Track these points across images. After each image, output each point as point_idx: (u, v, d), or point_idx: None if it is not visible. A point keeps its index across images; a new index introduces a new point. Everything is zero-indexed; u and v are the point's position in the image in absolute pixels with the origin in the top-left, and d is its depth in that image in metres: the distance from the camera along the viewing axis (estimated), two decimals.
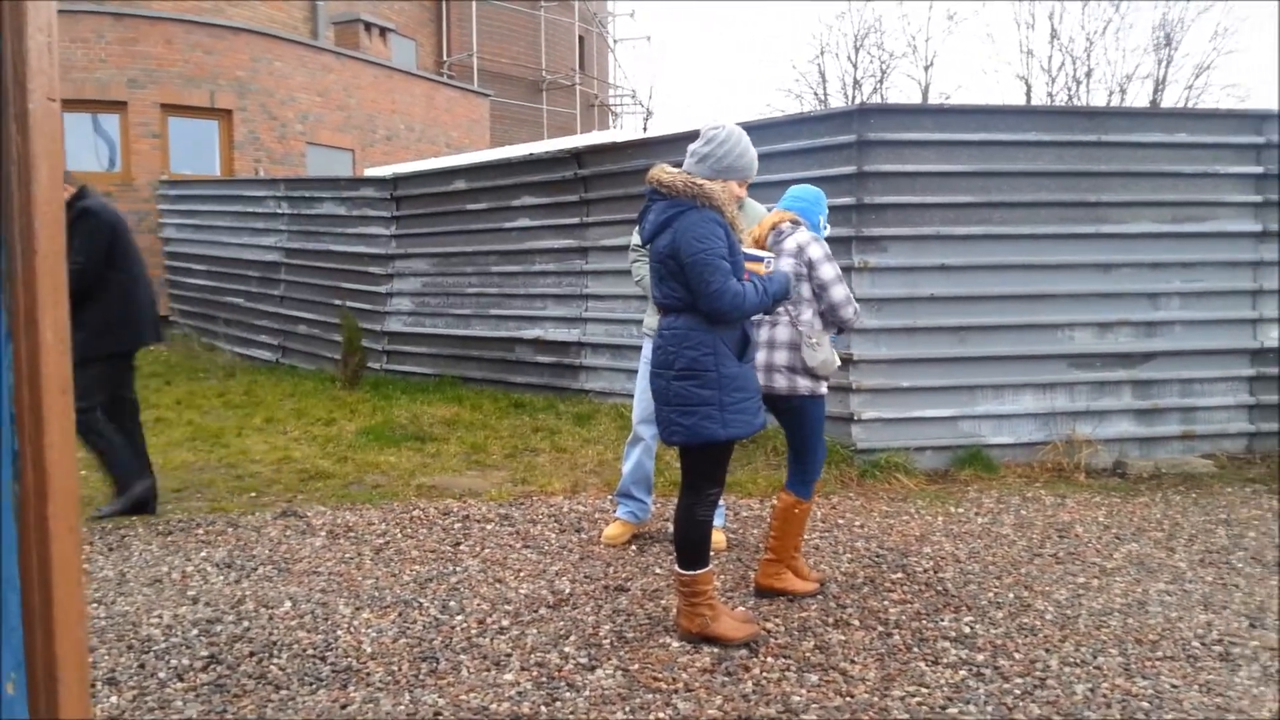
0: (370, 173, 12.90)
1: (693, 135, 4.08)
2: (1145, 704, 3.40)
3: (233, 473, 6.89)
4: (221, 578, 4.76)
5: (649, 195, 3.86)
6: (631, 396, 8.31)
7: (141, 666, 3.74)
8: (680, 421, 3.73)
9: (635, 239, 5.21)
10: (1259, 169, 7.17)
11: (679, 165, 3.92)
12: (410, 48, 21.81)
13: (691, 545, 3.87)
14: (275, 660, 3.78)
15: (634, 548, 5.18)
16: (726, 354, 3.74)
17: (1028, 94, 27.92)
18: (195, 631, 4.07)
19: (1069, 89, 27.72)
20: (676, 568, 3.92)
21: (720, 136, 3.87)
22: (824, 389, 4.35)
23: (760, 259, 3.87)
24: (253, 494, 6.37)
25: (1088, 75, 27.72)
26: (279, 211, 12.03)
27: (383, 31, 19.12)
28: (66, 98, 13.30)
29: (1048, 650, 3.85)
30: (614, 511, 5.43)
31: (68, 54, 13.41)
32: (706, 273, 3.63)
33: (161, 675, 3.66)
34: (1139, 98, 27.52)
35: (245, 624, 4.15)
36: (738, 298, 3.65)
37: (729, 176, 3.88)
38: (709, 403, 3.70)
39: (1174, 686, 3.54)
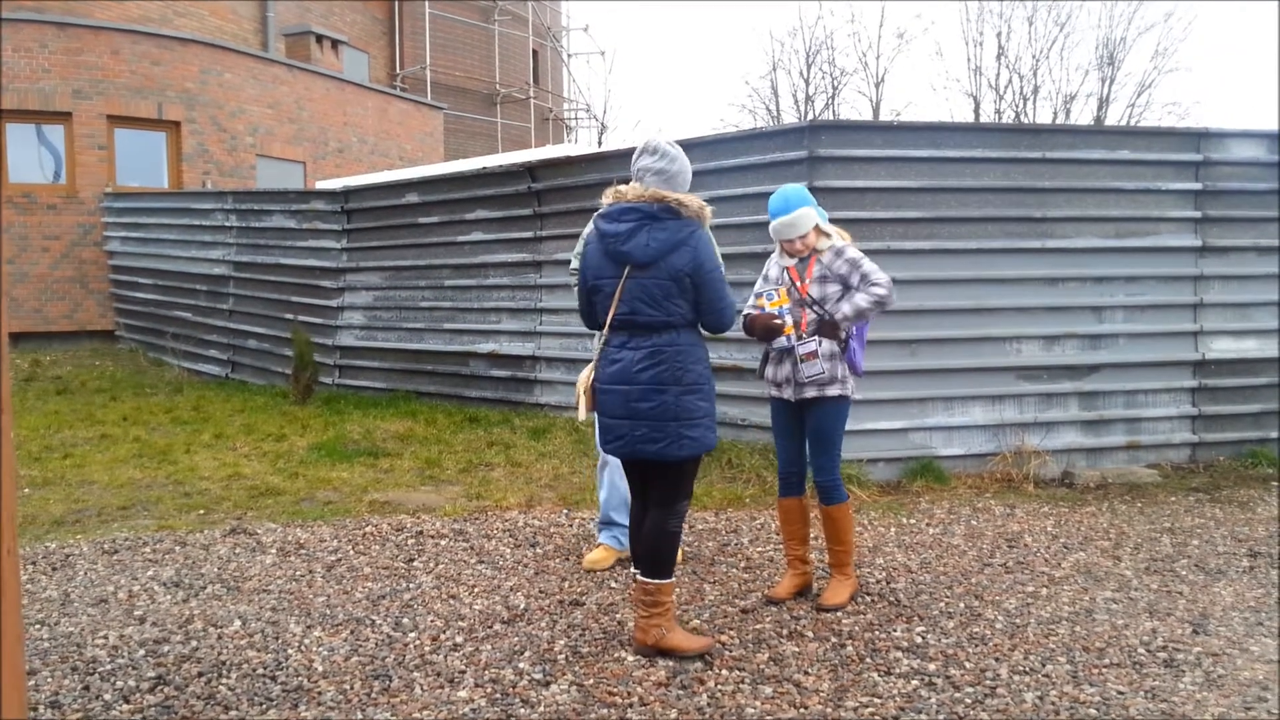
0: (322, 185, 12.78)
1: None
2: (1093, 710, 3.46)
3: (180, 490, 6.78)
4: (169, 597, 4.68)
5: (655, 213, 3.82)
6: None
7: (86, 689, 3.66)
8: (689, 435, 3.82)
9: (576, 263, 5.14)
10: (1198, 185, 7.35)
11: (625, 181, 3.99)
12: (363, 60, 21.67)
13: (663, 556, 3.91)
14: (224, 680, 3.73)
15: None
16: (709, 368, 4.00)
17: (976, 111, 28.35)
18: (142, 652, 4.00)
19: (1016, 106, 28.18)
20: (640, 577, 3.92)
21: (677, 153, 3.99)
22: (768, 391, 4.66)
23: None
24: (201, 511, 6.27)
25: (1034, 93, 28.19)
26: (227, 224, 11.88)
27: (335, 44, 18.98)
28: (8, 108, 13.07)
29: (998, 659, 3.91)
30: (598, 536, 5.33)
31: (10, 64, 13.16)
32: (723, 288, 3.87)
33: (107, 697, 3.59)
34: (1083, 115, 28.04)
35: (193, 644, 4.09)
36: (735, 311, 4.01)
37: (687, 188, 4.00)
38: (709, 414, 3.91)
39: (1120, 693, 3.60)
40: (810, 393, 4.42)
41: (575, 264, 5.15)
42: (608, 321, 3.92)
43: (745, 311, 4.55)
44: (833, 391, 4.42)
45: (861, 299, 4.37)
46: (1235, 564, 5.15)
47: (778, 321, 4.36)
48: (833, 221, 6.71)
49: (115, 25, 14.29)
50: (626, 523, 5.16)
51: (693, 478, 4.01)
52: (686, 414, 3.81)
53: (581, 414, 4.11)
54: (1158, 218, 7.31)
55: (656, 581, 3.90)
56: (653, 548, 3.91)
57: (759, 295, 4.46)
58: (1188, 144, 7.43)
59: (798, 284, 4.44)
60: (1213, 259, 7.41)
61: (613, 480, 5.19)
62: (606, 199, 3.98)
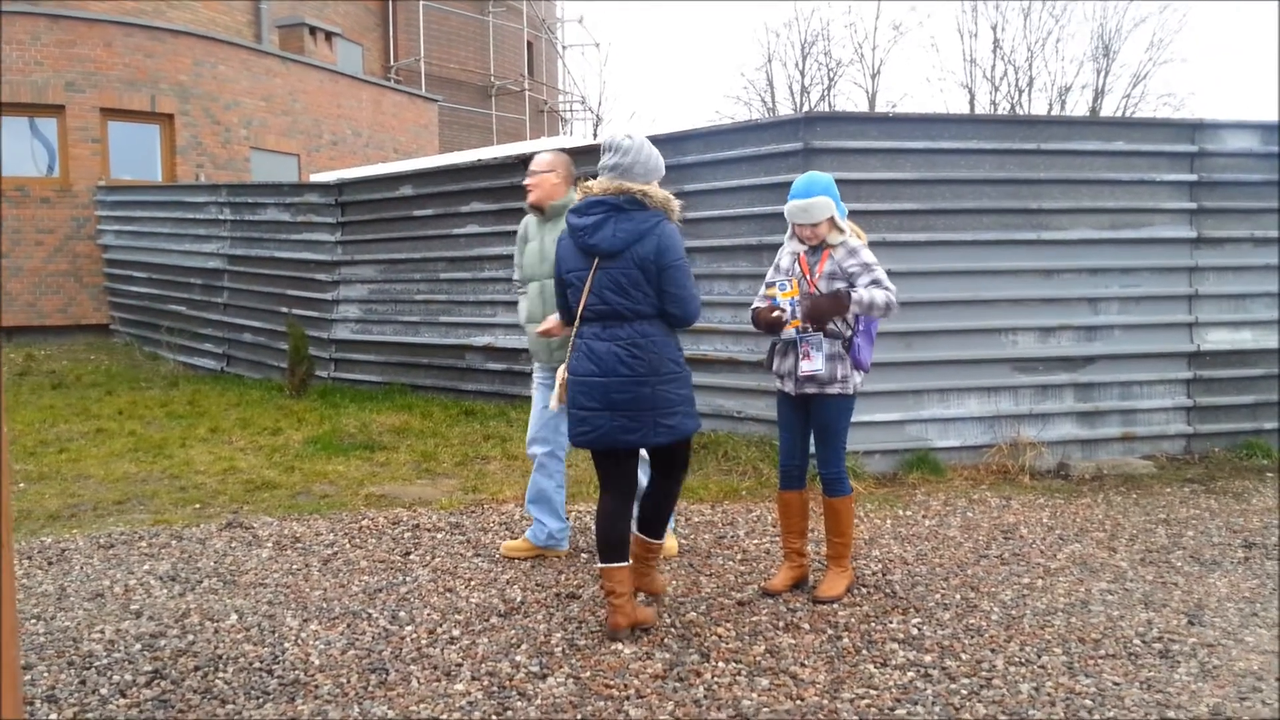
0: (316, 178, 12.74)
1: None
2: (1088, 701, 3.47)
3: (176, 484, 6.77)
4: (165, 591, 4.68)
5: (621, 204, 3.95)
6: None
7: (82, 683, 3.66)
8: (665, 423, 3.97)
9: (519, 273, 5.12)
10: (1193, 176, 7.35)
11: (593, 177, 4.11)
12: (357, 52, 21.60)
13: (666, 517, 4.27)
14: (221, 674, 3.73)
15: (584, 554, 5.17)
16: (682, 355, 4.10)
17: (971, 102, 28.36)
18: (138, 646, 4.00)
19: (1011, 98, 28.21)
20: (644, 536, 4.22)
21: (634, 145, 4.05)
22: (775, 384, 4.69)
23: None
24: (197, 505, 6.26)
25: (1029, 84, 28.23)
26: (221, 218, 11.84)
27: (328, 36, 18.92)
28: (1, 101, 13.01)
29: (994, 650, 3.91)
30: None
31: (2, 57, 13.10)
32: (685, 279, 3.96)
33: (103, 692, 3.59)
34: (1079, 106, 28.08)
35: (190, 638, 4.08)
36: (699, 303, 4.09)
37: (651, 179, 4.06)
38: (686, 400, 4.04)
39: (1116, 684, 3.61)
40: (810, 389, 4.43)
41: (516, 275, 5.15)
42: (579, 313, 3.99)
43: (755, 305, 4.55)
44: (833, 390, 4.42)
45: (879, 294, 4.33)
46: (1230, 555, 5.16)
47: (776, 314, 4.36)
48: None
49: (108, 17, 14.22)
50: (545, 519, 5.12)
51: (688, 454, 4.25)
52: (664, 404, 3.94)
53: (553, 404, 4.22)
54: (1153, 209, 7.31)
55: (658, 541, 4.25)
56: (660, 510, 4.23)
57: (770, 284, 4.44)
58: (1183, 135, 7.43)
59: (808, 277, 4.43)
60: (1208, 250, 7.41)
61: (534, 478, 5.15)
62: (576, 195, 4.09)
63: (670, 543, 5.13)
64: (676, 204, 4.05)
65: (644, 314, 3.92)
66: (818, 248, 4.49)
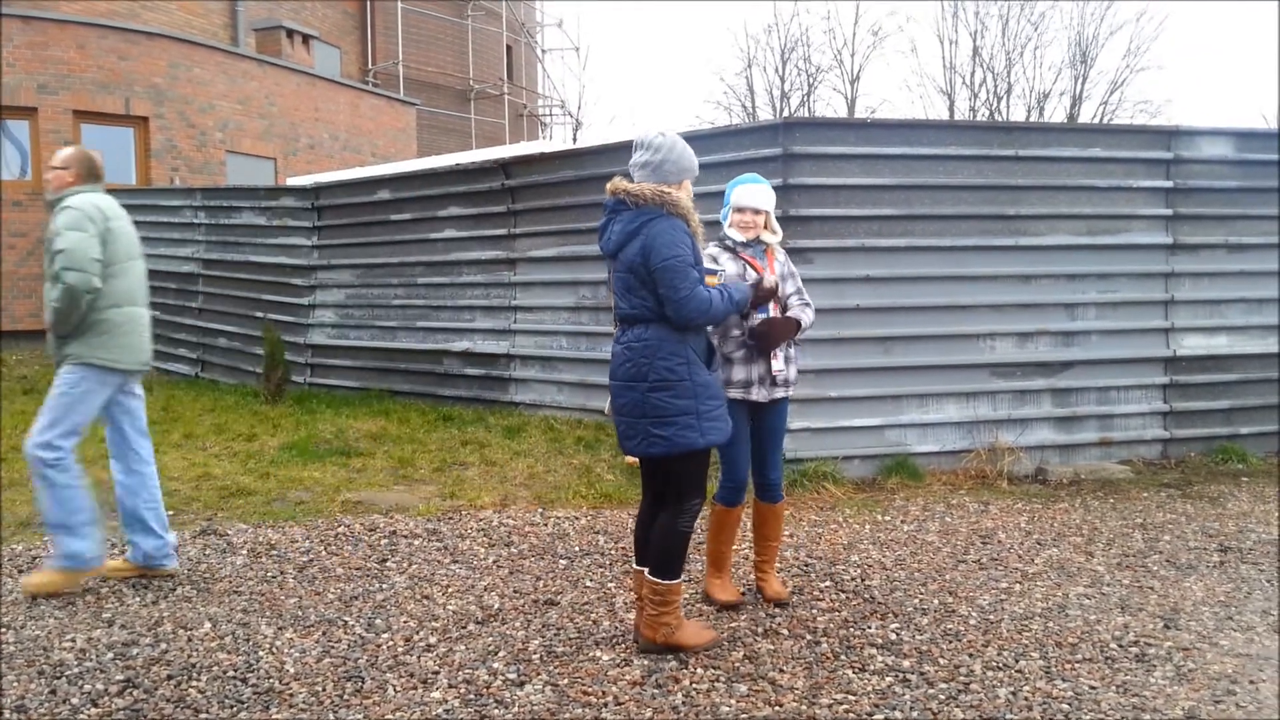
0: (292, 182, 12.66)
1: (625, 146, 4.08)
2: (1065, 705, 3.47)
3: None
4: (138, 599, 4.62)
5: (612, 206, 3.88)
6: (562, 409, 8.28)
7: (53, 693, 3.60)
8: (658, 433, 3.75)
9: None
10: (1169, 183, 7.40)
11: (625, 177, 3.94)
12: (334, 55, 21.51)
13: (672, 555, 3.84)
14: (194, 683, 3.68)
15: (563, 561, 5.14)
16: (698, 363, 3.81)
17: (950, 109, 28.54)
18: (110, 655, 3.94)
19: (990, 104, 28.40)
20: (649, 575, 3.86)
21: (666, 143, 3.89)
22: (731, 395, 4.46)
23: (714, 272, 3.93)
24: (171, 512, 6.18)
25: (1008, 91, 28.45)
26: (195, 221, 11.73)
27: (305, 39, 18.82)
28: None
29: (971, 655, 3.92)
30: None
31: None
32: (676, 279, 3.68)
33: (75, 701, 3.54)
34: (1057, 113, 28.32)
35: (163, 646, 4.03)
36: (704, 303, 3.73)
37: (683, 178, 3.92)
38: (687, 412, 3.75)
39: (1092, 688, 3.62)
40: (780, 393, 4.42)
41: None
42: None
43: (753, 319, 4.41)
44: (791, 391, 4.52)
45: (807, 317, 4.43)
46: (1206, 559, 5.19)
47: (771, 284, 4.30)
48: (808, 219, 6.77)
49: (81, 19, 14.10)
50: (138, 538, 4.82)
51: (696, 475, 3.90)
52: (656, 412, 3.73)
53: (607, 405, 4.09)
54: (1129, 215, 7.36)
55: (666, 582, 3.83)
56: (661, 547, 3.85)
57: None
58: (1159, 142, 7.48)
59: (764, 279, 4.42)
60: (1184, 256, 7.47)
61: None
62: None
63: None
64: (676, 197, 3.79)
65: (645, 317, 3.77)
66: (758, 245, 4.48)
